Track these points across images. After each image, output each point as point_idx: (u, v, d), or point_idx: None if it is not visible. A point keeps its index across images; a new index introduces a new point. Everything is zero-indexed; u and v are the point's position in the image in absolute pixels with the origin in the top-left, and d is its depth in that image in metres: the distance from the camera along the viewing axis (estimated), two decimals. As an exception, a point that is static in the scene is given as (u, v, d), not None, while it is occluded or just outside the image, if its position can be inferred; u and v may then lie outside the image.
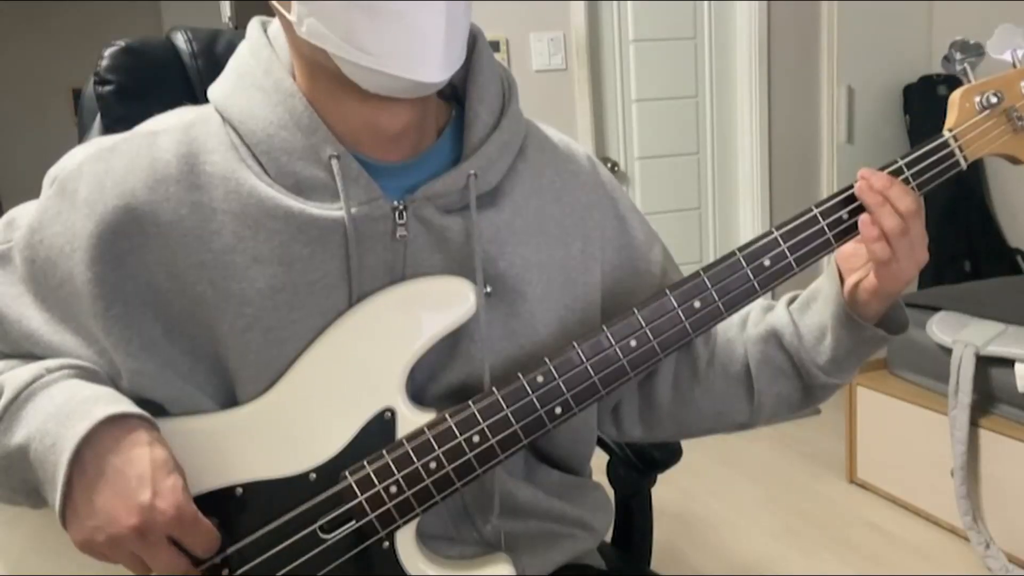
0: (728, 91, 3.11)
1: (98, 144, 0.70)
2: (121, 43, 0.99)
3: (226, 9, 2.97)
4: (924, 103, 3.18)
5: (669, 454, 1.10)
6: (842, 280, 0.77)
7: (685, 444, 1.09)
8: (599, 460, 1.11)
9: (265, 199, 0.67)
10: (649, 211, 3.06)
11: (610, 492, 1.11)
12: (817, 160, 3.24)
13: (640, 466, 1.10)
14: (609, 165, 2.98)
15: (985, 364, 1.97)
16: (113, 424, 0.62)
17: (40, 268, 0.68)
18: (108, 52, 0.98)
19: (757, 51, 3.04)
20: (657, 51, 2.99)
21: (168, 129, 0.70)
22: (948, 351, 2.03)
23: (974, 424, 1.97)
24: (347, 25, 0.61)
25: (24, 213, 0.71)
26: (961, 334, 2.03)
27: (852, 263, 0.77)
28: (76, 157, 0.70)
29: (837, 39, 3.11)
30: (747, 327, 0.84)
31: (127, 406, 0.64)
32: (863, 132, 3.23)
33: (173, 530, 0.62)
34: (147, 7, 4.58)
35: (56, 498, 0.61)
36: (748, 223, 3.18)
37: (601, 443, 1.13)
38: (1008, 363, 1.92)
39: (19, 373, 0.65)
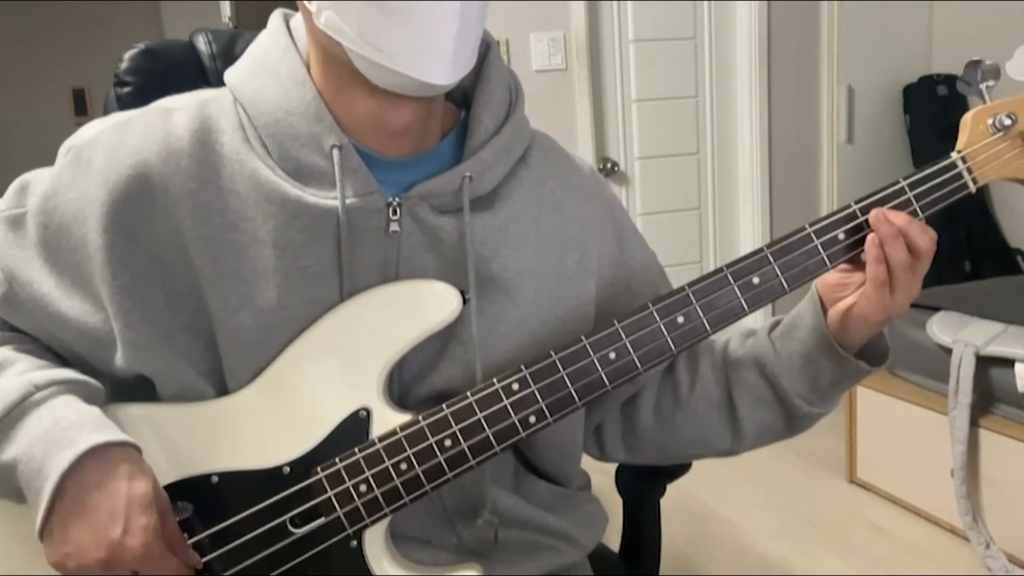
0: (728, 91, 3.11)
1: (115, 118, 0.73)
2: (141, 45, 1.01)
3: (226, 9, 2.97)
4: (924, 103, 3.18)
5: (678, 464, 1.07)
6: (824, 311, 0.76)
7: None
8: (609, 466, 1.11)
9: (264, 182, 0.68)
10: (649, 211, 3.07)
11: (618, 501, 1.11)
12: (817, 160, 3.23)
13: (648, 475, 1.09)
14: (609, 165, 2.98)
15: (985, 364, 1.96)
16: (96, 455, 0.64)
17: (53, 234, 0.70)
18: (127, 54, 1.00)
19: (757, 51, 3.04)
20: (657, 51, 2.99)
21: (183, 106, 0.72)
22: (948, 351, 2.03)
23: (974, 424, 1.97)
24: (362, 21, 0.63)
25: (37, 180, 0.72)
26: (961, 334, 2.03)
27: (837, 293, 0.76)
28: (93, 129, 0.72)
29: (837, 39, 3.10)
30: (728, 353, 0.83)
31: (111, 434, 0.65)
32: (863, 132, 3.23)
33: (139, 568, 0.63)
34: (147, 7, 4.58)
35: (38, 521, 0.63)
36: (748, 223, 3.18)
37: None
38: (1008, 363, 1.92)
39: (8, 387, 0.66)
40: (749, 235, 3.17)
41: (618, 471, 1.12)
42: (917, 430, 2.15)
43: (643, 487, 1.10)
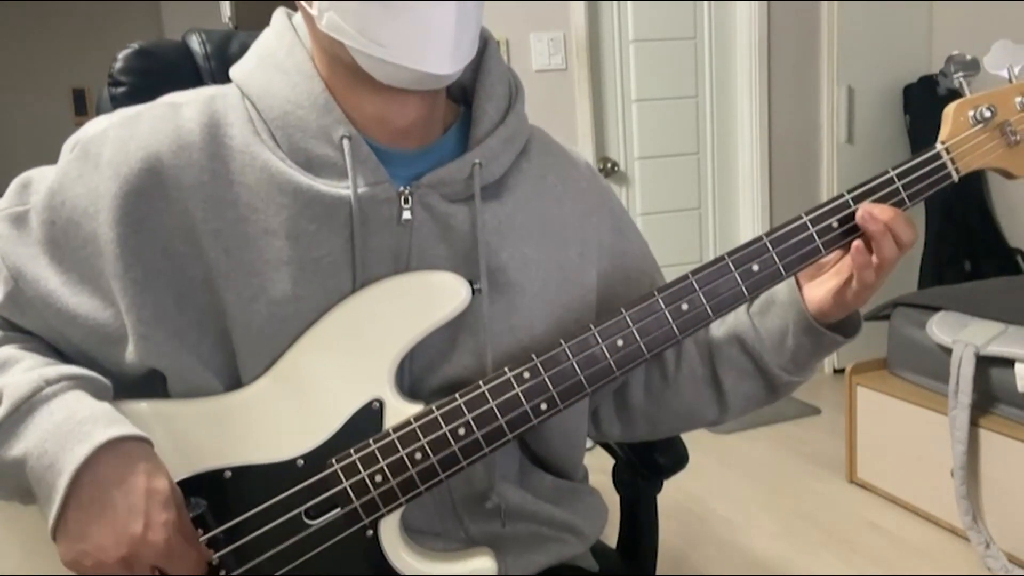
0: (728, 91, 3.11)
1: (122, 113, 0.73)
2: (135, 45, 1.01)
3: (226, 9, 2.97)
4: (924, 103, 3.18)
5: (674, 460, 1.09)
6: (799, 286, 0.79)
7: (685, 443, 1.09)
8: (605, 463, 1.11)
9: (276, 173, 0.69)
10: (649, 211, 3.07)
11: (615, 497, 1.11)
12: (817, 160, 3.24)
13: (645, 472, 1.10)
14: (609, 165, 2.98)
15: (985, 364, 1.96)
16: (111, 449, 0.63)
17: (61, 229, 0.69)
18: (122, 54, 1.00)
19: (757, 51, 3.04)
20: (657, 51, 2.99)
21: (191, 101, 0.73)
22: (948, 351, 2.03)
23: (974, 424, 1.97)
24: (363, 19, 0.65)
25: (39, 177, 0.72)
26: (961, 334, 2.03)
27: (812, 272, 0.79)
28: (100, 124, 0.72)
29: (837, 39, 3.11)
30: (710, 330, 0.86)
31: (125, 428, 0.64)
32: (863, 132, 3.23)
33: (160, 563, 0.63)
34: (147, 7, 4.58)
35: (51, 518, 0.62)
36: (748, 223, 3.18)
37: (606, 446, 1.12)
38: (1008, 363, 1.92)
39: (18, 383, 0.65)
40: (749, 235, 3.14)
41: (615, 468, 1.13)
42: (917, 430, 2.15)
43: (640, 484, 1.11)
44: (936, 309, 2.17)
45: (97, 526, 0.62)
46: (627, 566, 1.10)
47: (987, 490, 1.98)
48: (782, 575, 1.99)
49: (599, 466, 0.95)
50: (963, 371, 1.96)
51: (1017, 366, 1.89)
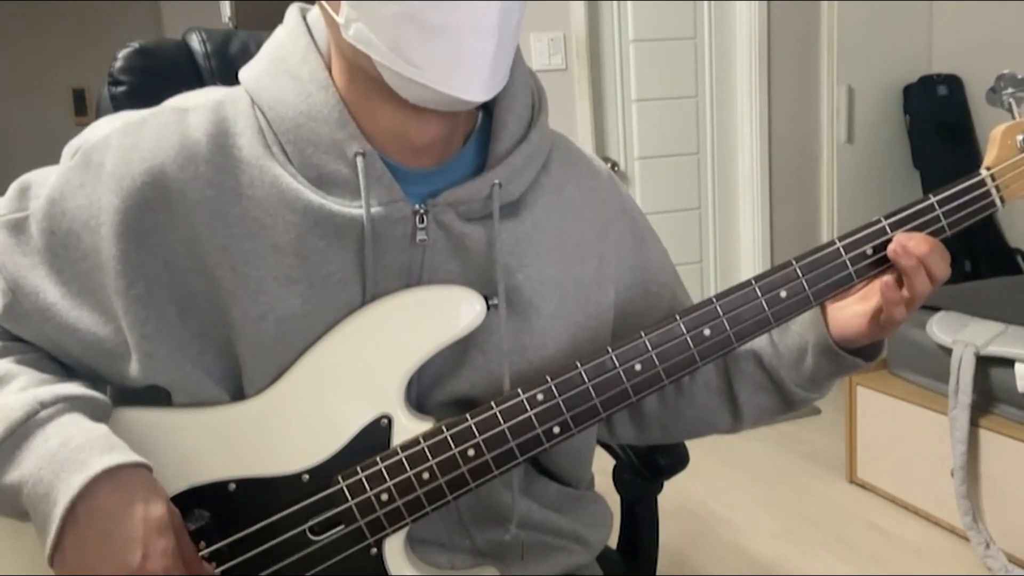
0: (728, 91, 3.11)
1: (125, 117, 0.70)
2: (135, 44, 1.00)
3: (226, 9, 2.97)
4: (924, 103, 3.18)
5: (675, 461, 1.09)
6: (823, 306, 0.76)
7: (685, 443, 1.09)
8: (606, 463, 1.11)
9: (286, 190, 0.66)
10: (649, 211, 3.05)
11: (615, 497, 1.11)
12: (817, 160, 3.23)
13: (646, 472, 1.09)
14: (609, 165, 2.98)
15: (985, 364, 1.96)
16: (108, 477, 0.61)
17: (60, 240, 0.67)
18: (122, 53, 0.99)
19: (757, 51, 3.04)
20: (657, 51, 2.99)
21: (198, 107, 0.69)
22: (948, 351, 2.03)
23: (974, 424, 1.97)
24: (396, 35, 0.60)
25: (40, 181, 0.69)
26: (961, 334, 2.03)
27: (837, 296, 0.76)
28: (102, 129, 0.69)
29: (837, 39, 3.10)
30: None
31: (121, 455, 0.62)
32: (863, 132, 3.23)
33: None
34: (147, 7, 4.57)
35: (47, 546, 0.60)
36: (748, 223, 3.18)
37: (607, 447, 1.12)
38: (1008, 363, 1.92)
39: (12, 405, 0.63)
40: (749, 235, 3.17)
41: (616, 469, 1.12)
42: (917, 430, 2.15)
43: (640, 484, 1.11)
44: (936, 309, 2.17)
45: (94, 556, 0.60)
46: (627, 566, 1.10)
47: (987, 490, 1.98)
48: (782, 575, 1.99)
49: (599, 466, 0.94)
50: (963, 371, 1.96)
51: (1017, 366, 1.89)
